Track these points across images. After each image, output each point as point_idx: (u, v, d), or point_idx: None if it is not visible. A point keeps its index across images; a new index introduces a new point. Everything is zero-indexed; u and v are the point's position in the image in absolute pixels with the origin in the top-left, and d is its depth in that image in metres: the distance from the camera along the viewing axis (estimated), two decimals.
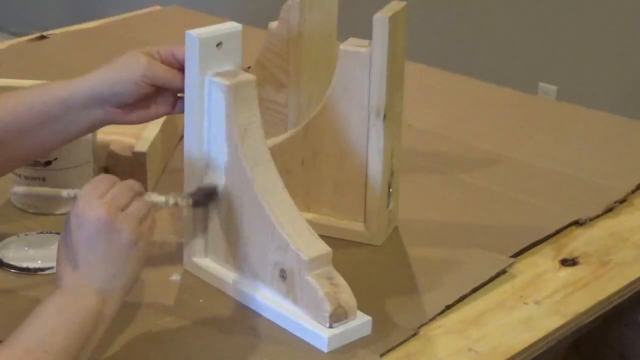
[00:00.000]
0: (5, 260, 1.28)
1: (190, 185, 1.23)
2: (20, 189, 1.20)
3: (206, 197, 1.22)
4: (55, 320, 1.02)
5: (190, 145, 1.23)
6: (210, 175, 1.22)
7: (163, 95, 1.25)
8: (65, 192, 1.14)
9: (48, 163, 1.36)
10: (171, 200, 1.19)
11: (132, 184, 1.12)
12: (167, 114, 1.26)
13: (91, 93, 1.22)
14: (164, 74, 1.22)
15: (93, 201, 1.07)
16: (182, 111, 1.23)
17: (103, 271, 1.06)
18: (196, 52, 1.18)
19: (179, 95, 1.24)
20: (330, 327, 1.13)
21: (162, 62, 1.22)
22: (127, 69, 1.21)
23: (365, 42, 1.28)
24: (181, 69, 1.22)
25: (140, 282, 1.24)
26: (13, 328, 1.11)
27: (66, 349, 1.01)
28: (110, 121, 1.24)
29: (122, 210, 1.08)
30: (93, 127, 1.26)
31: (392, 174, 1.34)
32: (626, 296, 1.30)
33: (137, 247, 1.08)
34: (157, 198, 1.18)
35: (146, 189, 1.43)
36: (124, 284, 1.08)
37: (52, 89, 1.24)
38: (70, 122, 1.23)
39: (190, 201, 1.21)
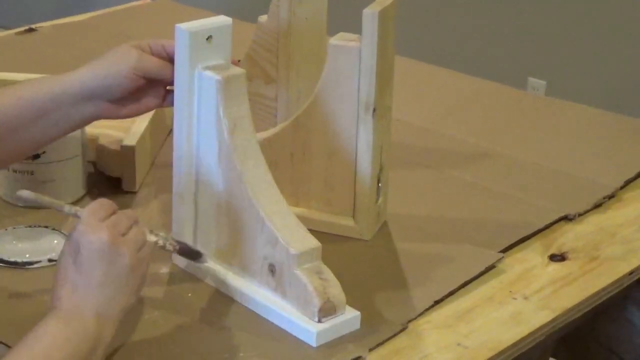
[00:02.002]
0: None
1: (179, 185, 1.24)
2: (25, 193, 1.18)
3: (193, 253, 1.22)
4: (50, 345, 1.00)
5: (180, 139, 1.22)
6: (199, 169, 1.22)
7: (153, 88, 1.24)
8: (67, 207, 1.13)
9: (36, 156, 1.36)
10: (160, 241, 1.17)
11: (130, 213, 1.12)
12: (158, 106, 1.26)
13: (82, 88, 1.21)
14: (155, 66, 1.22)
15: (95, 224, 1.06)
16: (172, 104, 1.23)
17: (101, 294, 1.05)
18: (186, 46, 1.18)
19: (168, 88, 1.24)
20: (319, 321, 1.13)
21: (153, 56, 1.22)
22: (118, 63, 1.21)
23: (355, 36, 1.28)
24: (172, 62, 1.21)
25: None
26: (0, 322, 1.11)
27: None
28: (102, 116, 1.24)
29: (123, 235, 1.08)
30: (84, 122, 1.26)
31: (381, 169, 1.34)
32: (615, 291, 1.31)
33: (136, 273, 1.08)
34: (149, 235, 1.16)
35: (134, 183, 1.43)
36: (122, 308, 1.07)
37: (42, 85, 1.23)
38: (61, 118, 1.22)
39: (178, 247, 1.20)
